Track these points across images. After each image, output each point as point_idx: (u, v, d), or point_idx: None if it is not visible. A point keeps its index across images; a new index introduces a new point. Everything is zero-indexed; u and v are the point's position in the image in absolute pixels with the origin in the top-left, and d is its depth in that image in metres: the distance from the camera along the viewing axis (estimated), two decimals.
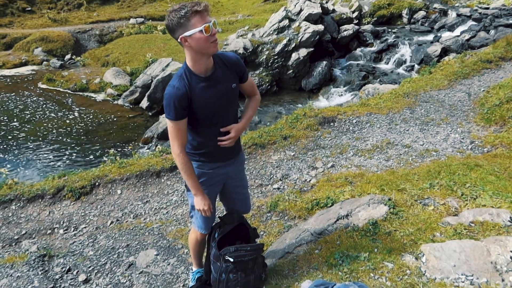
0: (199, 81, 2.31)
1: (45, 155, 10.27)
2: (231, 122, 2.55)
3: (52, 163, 9.89)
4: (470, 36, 14.02)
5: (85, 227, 4.52)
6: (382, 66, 14.73)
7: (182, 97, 2.26)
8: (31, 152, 10.45)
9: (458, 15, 16.94)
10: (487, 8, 16.80)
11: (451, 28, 16.23)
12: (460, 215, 3.24)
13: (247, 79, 2.58)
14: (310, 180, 4.93)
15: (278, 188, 4.82)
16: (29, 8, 23.80)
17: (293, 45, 14.56)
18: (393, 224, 3.15)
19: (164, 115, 11.18)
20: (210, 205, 2.58)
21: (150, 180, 5.29)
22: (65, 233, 4.47)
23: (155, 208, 4.76)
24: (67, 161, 9.98)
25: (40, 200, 5.00)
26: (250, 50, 14.42)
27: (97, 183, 5.21)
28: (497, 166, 4.54)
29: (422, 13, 18.24)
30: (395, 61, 14.62)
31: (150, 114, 13.19)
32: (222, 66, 2.41)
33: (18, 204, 4.94)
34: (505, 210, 3.17)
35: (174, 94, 2.25)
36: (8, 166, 9.52)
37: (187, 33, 2.15)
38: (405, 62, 14.40)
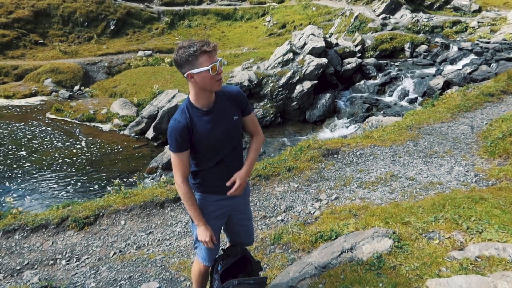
0: (200, 115, 2.40)
1: (50, 185, 10.33)
2: (235, 155, 2.60)
3: (57, 192, 9.92)
4: (472, 69, 14.22)
5: (87, 258, 4.49)
6: (386, 98, 14.90)
7: (183, 130, 2.35)
8: (37, 181, 10.51)
9: (460, 49, 17.26)
10: (488, 42, 17.12)
11: (453, 61, 16.50)
12: (466, 250, 3.20)
13: (249, 113, 2.63)
14: (314, 212, 4.91)
15: (282, 220, 4.80)
16: (41, 41, 24.56)
17: (297, 78, 14.82)
18: (398, 258, 3.12)
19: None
20: (213, 236, 2.59)
21: (154, 211, 5.29)
22: (67, 264, 4.44)
23: (158, 239, 4.74)
24: (73, 191, 10.02)
25: (43, 230, 5.00)
26: (255, 82, 14.68)
27: (101, 213, 5.21)
28: (502, 200, 4.52)
29: (424, 47, 18.62)
30: (398, 93, 14.80)
31: (155, 144, 13.31)
32: (224, 99, 2.49)
33: (22, 234, 4.94)
34: (511, 245, 3.14)
35: (175, 127, 2.36)
36: (14, 195, 9.57)
37: (194, 71, 2.24)
38: (408, 94, 14.57)
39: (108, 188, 9.66)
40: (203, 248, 2.77)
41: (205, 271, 2.96)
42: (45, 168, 11.38)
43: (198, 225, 2.56)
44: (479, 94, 9.32)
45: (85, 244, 4.74)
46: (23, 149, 12.83)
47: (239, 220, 2.88)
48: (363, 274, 2.96)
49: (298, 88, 14.76)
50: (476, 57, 15.84)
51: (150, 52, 25.26)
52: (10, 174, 10.92)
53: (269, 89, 14.75)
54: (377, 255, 3.16)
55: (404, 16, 21.25)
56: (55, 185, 10.30)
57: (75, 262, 4.45)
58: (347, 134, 11.03)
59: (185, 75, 2.28)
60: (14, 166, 11.50)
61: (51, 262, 4.47)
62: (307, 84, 14.76)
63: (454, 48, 17.70)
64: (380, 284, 2.77)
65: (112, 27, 26.85)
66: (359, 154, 6.56)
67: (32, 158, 12.13)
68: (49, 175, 10.89)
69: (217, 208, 2.68)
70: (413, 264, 2.99)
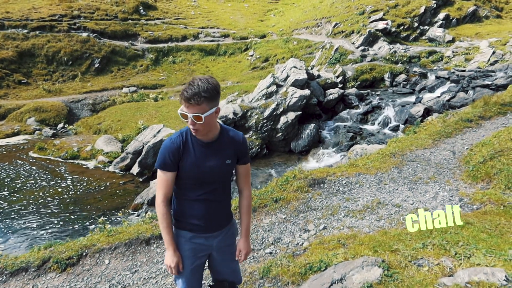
0: (198, 144, 2.46)
1: (33, 225, 10.02)
2: (219, 194, 2.62)
3: (40, 233, 9.61)
4: (450, 96, 14.68)
5: None
6: (369, 127, 15.17)
7: (175, 150, 2.43)
8: (19, 222, 10.19)
9: (437, 77, 17.86)
10: (464, 71, 17.79)
11: (432, 89, 17.02)
12: (456, 275, 3.19)
13: (244, 163, 2.68)
14: (302, 243, 4.85)
15: (271, 253, 4.72)
16: (25, 80, 24.53)
17: (281, 109, 15.04)
18: (388, 287, 3.08)
19: (155, 180, 11.06)
20: (180, 263, 2.56)
21: (139, 248, 5.15)
22: None
23: (144, 278, 4.59)
24: (56, 231, 9.72)
25: (24, 273, 4.80)
26: (240, 115, 14.83)
27: (84, 253, 5.04)
28: (487, 224, 4.56)
29: (403, 76, 19.22)
30: (380, 122, 15.09)
31: (140, 180, 13.14)
32: (226, 140, 2.55)
33: (1, 279, 4.72)
34: (500, 269, 3.14)
35: (168, 146, 2.44)
36: None
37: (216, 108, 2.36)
38: (390, 122, 14.88)
39: (93, 226, 9.41)
40: (180, 283, 2.70)
41: None
42: (27, 208, 11.07)
43: (167, 249, 2.55)
44: (458, 120, 9.58)
45: (67, 287, 4.55)
46: (5, 189, 12.51)
47: (222, 261, 2.79)
48: None
49: (283, 120, 14.94)
50: (453, 84, 16.39)
51: (135, 88, 25.42)
52: None
53: (254, 121, 14.89)
54: (367, 285, 3.13)
55: (382, 47, 22.02)
56: (38, 226, 9.99)
57: None
58: (333, 163, 11.11)
59: (215, 109, 2.39)
60: None
61: None
62: (291, 115, 14.96)
63: (431, 77, 18.31)
64: None
65: (96, 65, 27.05)
66: (345, 183, 6.59)
67: (14, 198, 11.81)
68: (31, 215, 10.57)
69: (192, 247, 2.62)
70: None
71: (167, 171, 2.47)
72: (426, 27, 25.04)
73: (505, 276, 3.00)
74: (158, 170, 2.50)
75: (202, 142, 2.46)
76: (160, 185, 2.51)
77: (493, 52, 19.08)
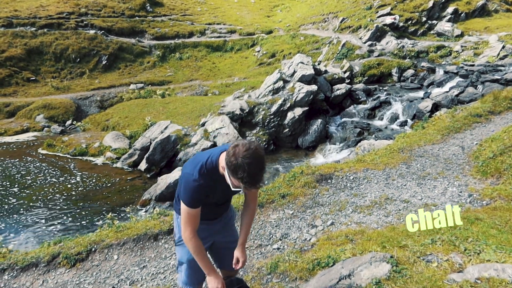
0: (218, 178, 2.46)
1: (42, 221, 10.13)
2: (227, 202, 2.81)
3: (49, 229, 9.73)
4: (459, 91, 14.52)
5: None
6: (376, 122, 15.07)
7: (203, 190, 2.45)
8: (28, 218, 10.31)
9: (446, 72, 17.67)
10: (473, 65, 17.58)
11: (440, 84, 16.85)
12: (465, 272, 3.15)
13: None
14: (310, 239, 4.84)
15: (278, 248, 4.72)
16: (34, 78, 24.74)
17: (288, 105, 15.00)
18: (397, 283, 3.06)
19: (162, 176, 11.04)
20: (224, 285, 2.62)
21: (147, 244, 5.18)
22: None
23: (152, 273, 4.62)
24: (65, 227, 9.83)
25: (34, 268, 4.85)
26: (247, 110, 14.82)
27: (93, 249, 5.09)
28: (497, 219, 4.51)
29: (411, 71, 19.04)
30: (388, 117, 14.99)
31: (148, 176, 13.22)
32: None
33: (11, 274, 4.78)
34: (510, 265, 3.10)
35: (196, 188, 2.43)
36: (4, 233, 9.34)
37: (226, 174, 2.35)
38: (398, 118, 14.77)
39: (101, 222, 9.49)
40: (183, 271, 2.80)
41: None
42: (37, 204, 11.20)
43: (209, 274, 2.60)
44: (467, 115, 9.47)
45: (77, 282, 4.60)
46: (16, 185, 12.66)
47: (224, 244, 2.92)
48: None
49: (290, 115, 14.91)
50: (462, 79, 16.21)
51: (142, 84, 25.52)
52: (0, 212, 10.72)
53: (261, 117, 14.88)
54: (375, 281, 3.11)
55: (390, 42, 21.84)
56: (47, 221, 10.10)
57: None
58: (340, 159, 11.06)
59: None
60: (6, 203, 11.30)
61: None
62: (298, 111, 14.92)
63: (440, 72, 18.12)
64: None
65: (104, 62, 27.18)
66: (353, 178, 6.56)
67: (24, 194, 11.95)
68: (41, 211, 10.69)
69: (200, 231, 2.72)
70: None
71: (196, 208, 2.50)
72: (434, 21, 24.76)
73: None
74: (186, 207, 2.50)
75: (223, 177, 2.45)
76: (188, 221, 2.52)
77: (503, 47, 18.82)
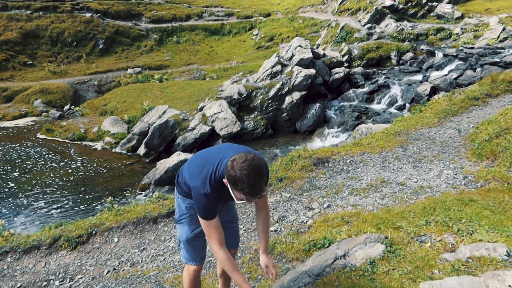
0: (222, 189, 2.47)
1: (43, 205, 10.23)
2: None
3: (50, 212, 9.83)
4: (457, 75, 14.48)
5: (81, 278, 4.45)
6: (374, 106, 15.07)
7: (217, 201, 2.50)
8: (29, 202, 10.41)
9: (445, 55, 17.58)
10: (472, 48, 17.46)
11: (439, 67, 16.79)
12: (457, 251, 3.23)
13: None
14: (306, 221, 4.92)
15: (275, 231, 4.80)
16: (30, 62, 24.55)
17: (286, 89, 14.97)
18: (391, 263, 3.14)
19: (161, 161, 11.08)
20: None
21: (147, 227, 5.26)
22: (61, 284, 4.39)
23: (152, 255, 4.71)
24: (65, 210, 9.93)
25: (36, 251, 4.95)
26: (245, 95, 14.79)
27: (94, 232, 5.17)
28: (491, 201, 4.58)
29: (410, 54, 18.94)
30: (386, 101, 14.98)
31: (147, 160, 13.27)
32: None
33: (14, 256, 4.88)
34: (501, 244, 3.17)
35: (207, 200, 2.45)
36: (6, 217, 9.44)
37: (229, 187, 2.34)
38: (396, 101, 14.76)
39: (101, 206, 9.59)
40: (184, 249, 2.87)
41: (195, 276, 2.97)
42: (38, 188, 11.28)
43: (241, 286, 2.55)
44: (465, 98, 9.48)
45: (78, 264, 4.69)
46: (16, 170, 12.73)
47: (223, 223, 2.90)
48: (356, 280, 2.97)
49: (288, 99, 14.89)
50: (461, 62, 16.14)
51: (140, 69, 25.36)
52: (1, 196, 10.80)
53: (259, 101, 14.86)
54: (370, 261, 3.18)
55: (389, 25, 21.65)
56: (48, 205, 10.20)
57: (69, 282, 4.40)
58: (338, 143, 11.12)
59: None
60: (7, 187, 11.38)
61: (44, 283, 4.42)
62: (296, 95, 14.90)
63: (439, 55, 18.03)
64: None
65: (101, 46, 26.95)
66: (350, 162, 6.61)
67: (24, 179, 12.03)
68: (41, 196, 10.78)
69: (193, 212, 2.78)
70: (406, 268, 3.01)
71: (213, 218, 2.52)
72: (434, 3, 24.50)
73: (507, 251, 3.03)
74: (204, 221, 2.52)
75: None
76: (211, 233, 2.53)
77: (503, 29, 18.68)
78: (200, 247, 2.90)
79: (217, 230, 2.52)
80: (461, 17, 22.86)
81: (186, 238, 2.85)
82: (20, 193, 10.95)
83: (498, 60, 14.94)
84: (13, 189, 11.25)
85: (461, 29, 20.46)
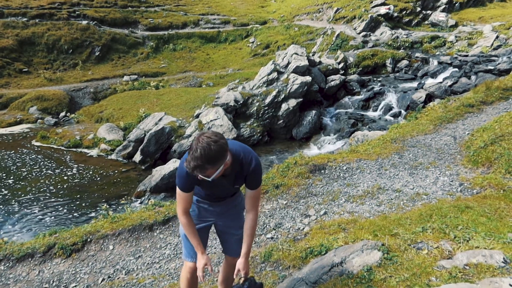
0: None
1: (37, 212, 10.13)
2: (232, 195, 2.89)
3: (45, 219, 9.74)
4: (452, 82, 14.58)
5: (75, 286, 4.39)
6: (370, 113, 15.13)
7: (190, 181, 2.58)
8: (24, 209, 10.30)
9: (440, 63, 17.71)
10: (466, 56, 17.63)
11: (434, 75, 16.91)
12: (454, 258, 3.22)
13: (253, 189, 2.74)
14: (303, 228, 4.91)
15: (272, 238, 4.78)
16: (26, 69, 24.49)
17: (282, 96, 15.01)
18: (388, 270, 3.13)
19: (157, 168, 11.06)
20: (209, 264, 2.74)
21: (142, 234, 5.22)
22: None
23: (148, 263, 4.67)
24: (60, 217, 9.84)
25: (30, 259, 4.89)
26: (241, 102, 14.81)
27: (88, 239, 5.12)
28: (487, 208, 4.59)
29: (405, 62, 19.08)
30: (382, 108, 15.05)
31: (143, 167, 13.22)
32: (237, 168, 2.60)
33: (7, 264, 4.82)
34: (498, 251, 3.17)
35: (185, 175, 2.55)
36: (0, 225, 9.36)
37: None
38: (392, 109, 14.83)
39: (96, 213, 9.51)
40: (183, 243, 2.98)
41: (192, 274, 3.00)
42: (33, 195, 11.19)
43: (196, 250, 2.77)
44: (460, 105, 9.54)
45: (73, 272, 4.64)
46: (11, 177, 12.62)
47: (224, 228, 3.02)
48: None
49: (284, 106, 14.92)
50: (456, 70, 16.27)
51: (136, 76, 25.36)
52: None
53: (255, 108, 14.88)
54: (367, 268, 3.17)
55: (384, 33, 21.83)
56: (43, 213, 10.10)
57: None
58: (334, 150, 11.14)
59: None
60: (1, 194, 11.28)
61: None
62: (292, 102, 14.94)
63: (434, 62, 18.17)
64: None
65: (97, 53, 26.95)
66: (346, 169, 6.62)
67: (19, 186, 11.93)
68: (36, 203, 10.69)
69: (200, 210, 2.93)
70: (403, 275, 3.00)
71: (186, 192, 2.66)
72: (428, 11, 24.76)
73: (503, 258, 3.03)
74: (178, 189, 2.67)
75: None
76: (179, 201, 2.71)
77: (497, 37, 18.89)
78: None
79: (185, 201, 2.68)
80: (455, 25, 23.11)
81: (184, 233, 2.90)
82: (14, 200, 10.85)
83: (492, 67, 15.08)
84: (7, 196, 11.15)
85: (455, 37, 20.67)
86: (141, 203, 10.27)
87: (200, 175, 2.33)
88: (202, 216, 2.94)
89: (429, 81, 15.80)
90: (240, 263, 2.76)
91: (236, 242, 2.99)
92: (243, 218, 3.01)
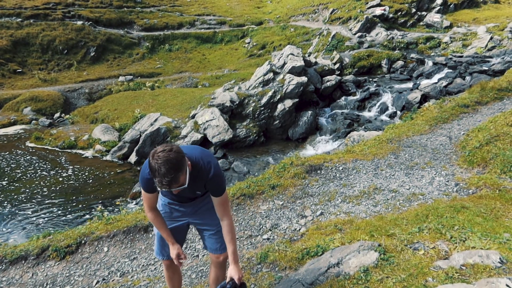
0: None
1: (31, 214, 10.05)
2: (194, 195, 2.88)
3: (38, 221, 9.66)
4: (447, 82, 14.64)
5: None
6: (366, 113, 15.15)
7: (152, 183, 2.57)
8: (17, 211, 10.22)
9: (435, 64, 17.78)
10: (461, 56, 17.71)
11: (429, 75, 16.97)
12: (451, 258, 3.22)
13: (217, 196, 2.76)
14: (299, 229, 4.89)
15: (268, 239, 4.76)
16: (20, 70, 24.32)
17: (278, 97, 14.99)
18: (384, 271, 3.12)
19: None
20: (181, 253, 2.89)
21: (137, 236, 5.18)
22: None
23: (143, 265, 4.63)
24: (54, 219, 9.76)
25: (23, 261, 4.83)
26: (237, 102, 14.78)
27: (83, 241, 5.07)
28: (483, 208, 4.59)
29: (400, 62, 19.14)
30: (378, 108, 15.08)
31: (138, 168, 13.15)
32: (196, 176, 2.61)
33: (0, 267, 4.76)
34: (494, 252, 3.17)
35: (146, 179, 2.63)
36: None
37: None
38: (387, 109, 14.86)
39: (91, 215, 9.45)
40: (156, 241, 3.11)
41: (168, 271, 3.20)
42: (26, 197, 11.09)
43: (168, 243, 2.90)
44: (455, 105, 9.57)
45: (67, 274, 4.59)
46: (5, 178, 12.51)
47: (202, 226, 3.08)
48: None
49: (280, 107, 14.91)
50: (451, 70, 16.34)
51: (131, 77, 25.26)
52: None
53: (251, 108, 14.86)
54: (363, 269, 3.16)
55: (380, 34, 21.88)
56: (36, 214, 10.02)
57: None
58: (330, 150, 11.13)
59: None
60: None
61: None
62: (288, 103, 14.93)
63: (429, 63, 18.24)
64: None
65: (92, 54, 26.82)
66: (342, 169, 6.61)
67: (13, 187, 11.82)
68: (30, 205, 10.60)
69: (168, 210, 3.00)
70: (400, 276, 2.99)
71: (148, 193, 2.74)
72: (423, 12, 24.84)
73: (500, 258, 3.03)
74: (142, 190, 2.77)
75: None
76: (145, 200, 2.80)
77: (491, 38, 18.99)
78: (164, 244, 3.05)
79: (150, 200, 2.77)
80: (450, 26, 23.20)
81: (157, 231, 3.01)
82: (8, 202, 10.75)
83: (486, 68, 15.16)
84: (0, 198, 11.05)
85: (450, 38, 20.75)
86: (136, 204, 10.22)
87: (176, 188, 2.35)
88: (175, 216, 3.00)
89: (424, 82, 15.86)
90: (231, 270, 2.77)
91: (213, 237, 3.03)
92: (213, 215, 3.01)
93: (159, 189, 2.39)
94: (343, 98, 16.34)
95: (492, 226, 3.96)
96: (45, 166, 13.60)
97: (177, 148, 2.35)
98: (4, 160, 14.24)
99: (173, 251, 2.88)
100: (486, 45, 18.54)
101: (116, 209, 9.91)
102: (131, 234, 5.20)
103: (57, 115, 20.49)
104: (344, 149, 8.30)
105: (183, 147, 2.63)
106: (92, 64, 26.57)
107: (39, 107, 20.85)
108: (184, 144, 13.50)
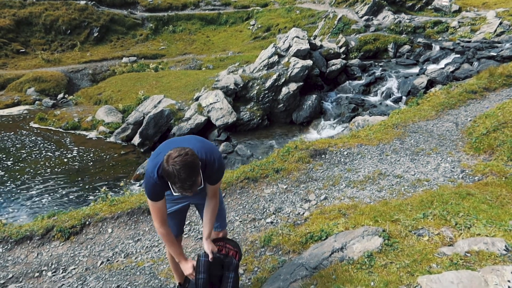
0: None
1: (36, 195, 10.12)
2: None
3: (43, 202, 9.73)
4: (454, 68, 14.44)
5: (74, 269, 4.38)
6: (371, 98, 15.03)
7: (162, 188, 2.51)
8: (22, 191, 10.29)
9: (442, 48, 17.52)
10: (469, 42, 17.43)
11: (436, 61, 16.74)
12: (456, 245, 3.20)
13: (212, 184, 2.73)
14: (303, 213, 4.88)
15: (272, 222, 4.76)
16: (23, 50, 24.18)
17: (283, 80, 14.86)
18: (388, 256, 3.11)
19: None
20: (193, 267, 2.76)
21: (141, 218, 5.20)
22: (54, 275, 4.32)
23: (147, 246, 4.65)
24: (59, 200, 9.83)
25: (28, 241, 4.87)
26: (241, 85, 14.67)
27: (87, 222, 5.10)
28: (488, 195, 4.56)
29: (407, 47, 18.86)
30: (383, 93, 14.94)
31: (142, 150, 13.17)
32: (203, 174, 2.54)
33: (6, 247, 4.80)
34: (499, 239, 3.15)
35: (152, 184, 2.50)
36: None
37: None
38: (393, 94, 14.72)
39: (95, 196, 9.51)
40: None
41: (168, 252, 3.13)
42: (31, 177, 11.16)
43: (179, 261, 2.80)
44: (462, 91, 9.45)
45: (72, 254, 4.63)
46: (10, 158, 12.58)
47: (200, 206, 3.04)
48: (354, 274, 2.94)
49: (284, 90, 14.79)
50: (458, 56, 16.10)
51: (135, 58, 25.07)
52: None
53: (255, 92, 14.75)
54: (367, 254, 3.15)
55: (387, 17, 21.51)
56: (41, 195, 10.09)
57: (62, 273, 4.33)
58: (334, 134, 11.08)
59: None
60: (0, 176, 11.26)
61: (37, 274, 4.35)
62: (293, 86, 14.80)
63: (436, 48, 17.97)
64: (372, 283, 2.75)
65: (95, 34, 26.58)
66: (347, 154, 6.57)
67: (18, 167, 11.89)
68: (35, 185, 10.67)
69: (176, 197, 2.89)
70: (404, 262, 2.98)
71: (157, 200, 2.58)
72: None
73: (505, 245, 3.01)
74: (148, 200, 2.60)
75: None
76: (154, 213, 2.64)
77: (500, 23, 18.64)
78: (175, 226, 3.00)
79: (160, 211, 2.61)
80: (459, 11, 22.77)
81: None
82: (13, 183, 10.82)
83: (495, 54, 14.91)
84: (5, 178, 11.12)
85: (458, 22, 20.38)
86: (140, 185, 10.26)
87: (194, 191, 2.32)
88: (176, 198, 2.92)
89: (431, 67, 15.66)
90: (205, 245, 2.81)
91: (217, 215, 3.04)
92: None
93: (176, 194, 2.35)
94: (348, 82, 16.18)
95: (498, 213, 3.93)
96: (49, 147, 13.64)
97: (191, 150, 2.31)
98: (9, 140, 14.29)
99: (187, 267, 2.78)
100: (495, 30, 18.20)
101: (120, 191, 9.96)
102: (135, 216, 5.21)
103: (60, 96, 20.46)
104: (348, 133, 8.24)
105: (183, 141, 2.59)
106: (95, 44, 26.36)
107: (43, 88, 20.80)
108: (188, 126, 13.46)
